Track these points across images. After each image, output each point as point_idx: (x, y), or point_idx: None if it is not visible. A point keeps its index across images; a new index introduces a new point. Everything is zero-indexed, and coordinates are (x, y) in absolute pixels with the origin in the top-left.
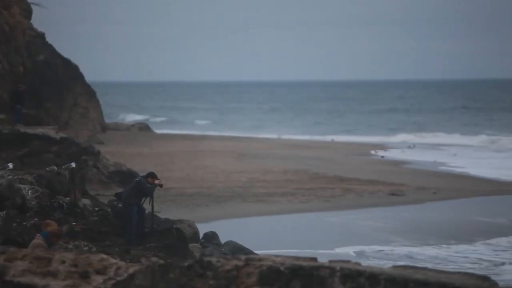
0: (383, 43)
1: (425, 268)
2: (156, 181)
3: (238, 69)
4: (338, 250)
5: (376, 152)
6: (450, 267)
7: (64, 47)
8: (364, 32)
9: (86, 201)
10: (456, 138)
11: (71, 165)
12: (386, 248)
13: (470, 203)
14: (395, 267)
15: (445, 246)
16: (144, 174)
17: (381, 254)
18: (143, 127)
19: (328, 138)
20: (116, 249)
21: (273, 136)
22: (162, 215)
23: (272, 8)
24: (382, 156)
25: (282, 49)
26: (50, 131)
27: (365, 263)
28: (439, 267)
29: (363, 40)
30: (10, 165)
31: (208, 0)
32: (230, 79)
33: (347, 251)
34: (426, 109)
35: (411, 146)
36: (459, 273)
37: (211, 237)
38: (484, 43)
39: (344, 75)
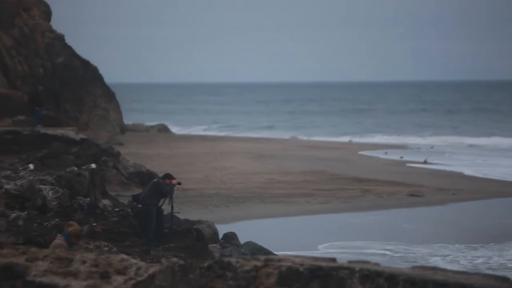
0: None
1: (444, 269)
2: (173, 181)
3: (250, 70)
4: (359, 251)
5: (386, 152)
6: (470, 268)
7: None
8: (377, 33)
9: (106, 201)
10: (472, 140)
11: (91, 166)
12: (406, 248)
13: (490, 204)
14: (414, 267)
15: (465, 246)
16: (161, 175)
17: (400, 255)
18: (162, 128)
19: (346, 139)
20: (137, 249)
21: (290, 137)
22: (181, 216)
23: (286, 9)
24: (401, 157)
25: (297, 51)
26: (70, 132)
27: (384, 264)
28: (459, 268)
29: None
30: (31, 166)
31: (214, 1)
32: (243, 80)
33: (367, 252)
34: (442, 110)
35: (430, 148)
36: (478, 274)
37: (231, 237)
38: None
39: (359, 77)
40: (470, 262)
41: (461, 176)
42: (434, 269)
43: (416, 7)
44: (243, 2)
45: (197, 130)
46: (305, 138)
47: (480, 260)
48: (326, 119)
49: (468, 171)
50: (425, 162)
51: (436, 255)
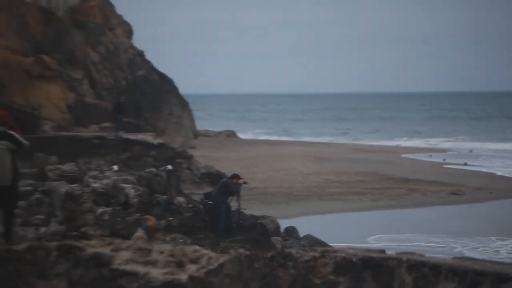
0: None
1: (483, 260)
2: (240, 181)
3: (301, 83)
4: (406, 243)
5: (431, 155)
6: (508, 260)
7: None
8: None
9: (181, 199)
10: (505, 145)
11: (168, 167)
12: (449, 241)
13: None
14: (455, 258)
15: (503, 239)
16: (230, 175)
17: (444, 247)
18: (230, 134)
19: (394, 143)
20: (208, 241)
21: (344, 141)
22: (247, 212)
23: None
24: (444, 159)
25: (344, 63)
26: (149, 137)
27: (429, 255)
28: (497, 259)
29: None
30: (115, 167)
31: (265, 21)
32: (294, 91)
33: (413, 244)
34: (479, 118)
35: (469, 151)
36: None
37: (291, 231)
38: None
39: (402, 88)
40: (509, 254)
41: (495, 176)
42: (474, 259)
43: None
44: (302, 24)
45: (261, 136)
46: (356, 142)
47: None
48: (374, 124)
49: (500, 172)
50: (465, 164)
51: (476, 247)
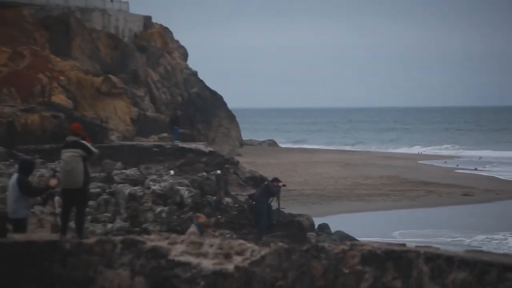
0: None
1: (490, 252)
2: (280, 184)
3: (342, 97)
4: (424, 239)
5: (445, 162)
6: None
7: (212, 82)
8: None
9: (228, 199)
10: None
11: (217, 172)
12: (462, 235)
13: None
14: (467, 251)
15: (509, 234)
16: (271, 179)
17: (458, 241)
18: (271, 143)
19: (416, 150)
20: (251, 236)
21: (371, 149)
22: (286, 211)
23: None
24: (457, 165)
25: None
26: (201, 146)
27: (444, 248)
28: (505, 251)
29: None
30: (172, 172)
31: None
32: (334, 105)
33: (431, 238)
34: (491, 129)
35: (478, 158)
36: None
37: (324, 227)
38: None
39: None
40: None
41: (501, 180)
42: (482, 252)
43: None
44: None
45: (298, 144)
46: (382, 150)
47: None
48: (396, 134)
49: (506, 177)
50: (475, 170)
51: (485, 240)
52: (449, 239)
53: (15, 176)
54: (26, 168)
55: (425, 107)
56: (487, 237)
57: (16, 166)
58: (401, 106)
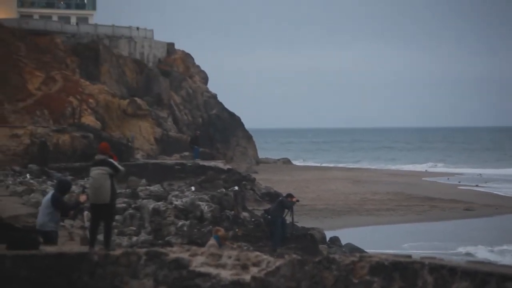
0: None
1: (490, 263)
2: (293, 199)
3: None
4: (430, 251)
5: (448, 178)
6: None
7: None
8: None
9: (245, 214)
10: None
11: (235, 188)
12: (464, 246)
13: None
14: (468, 262)
15: (507, 246)
16: (285, 194)
17: (460, 252)
18: (286, 161)
19: (422, 168)
20: (267, 248)
21: (378, 167)
22: (299, 224)
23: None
24: (459, 182)
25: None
26: (220, 164)
27: (447, 259)
28: (504, 261)
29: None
30: (193, 188)
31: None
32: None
33: (435, 249)
34: (491, 148)
35: (479, 175)
36: None
37: (335, 240)
38: None
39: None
40: None
41: (500, 196)
42: (483, 262)
43: None
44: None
45: (311, 162)
46: (389, 167)
47: None
48: (402, 153)
49: (504, 193)
50: (476, 186)
51: (486, 252)
52: (452, 250)
53: (50, 193)
54: (62, 188)
55: (421, 127)
56: (488, 249)
57: (49, 183)
58: (399, 126)
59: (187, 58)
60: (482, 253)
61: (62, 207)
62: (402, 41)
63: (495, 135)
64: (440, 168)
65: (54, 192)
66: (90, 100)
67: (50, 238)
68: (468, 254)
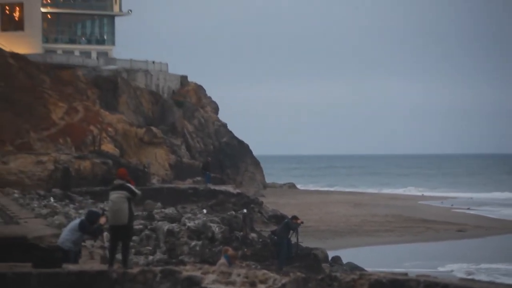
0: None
1: (480, 281)
2: (298, 221)
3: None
4: (426, 269)
5: (442, 202)
6: (502, 280)
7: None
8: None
9: (253, 235)
10: (498, 195)
11: (244, 211)
12: (458, 265)
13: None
14: (460, 279)
15: (496, 264)
16: (290, 217)
17: (453, 271)
18: (291, 186)
19: (419, 192)
20: (273, 267)
21: (377, 191)
22: (303, 245)
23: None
24: (452, 205)
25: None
26: (230, 188)
27: (441, 277)
28: (493, 279)
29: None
30: (204, 211)
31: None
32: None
33: (432, 268)
34: (481, 173)
35: (470, 199)
36: (509, 285)
37: (336, 259)
38: None
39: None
40: (505, 275)
41: (490, 218)
42: (474, 280)
43: None
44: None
45: (314, 187)
46: (388, 191)
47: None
48: (400, 178)
49: (494, 215)
50: (468, 209)
51: (477, 270)
52: (446, 269)
53: (79, 219)
54: (91, 218)
55: (410, 154)
56: (478, 267)
57: (71, 206)
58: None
59: (199, 89)
60: (472, 271)
61: (88, 233)
62: (383, 73)
63: (480, 162)
64: (434, 192)
65: (84, 220)
66: (109, 129)
67: (68, 257)
68: (461, 271)
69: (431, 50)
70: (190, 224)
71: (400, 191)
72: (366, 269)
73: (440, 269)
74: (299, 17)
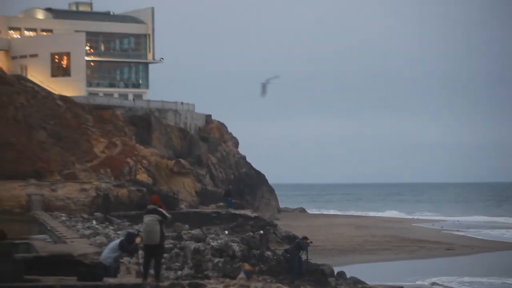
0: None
1: None
2: (308, 241)
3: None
4: (419, 282)
5: (433, 224)
6: None
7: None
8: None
9: (268, 253)
10: (486, 218)
11: (260, 232)
12: (449, 279)
13: (495, 255)
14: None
15: (480, 278)
16: (301, 237)
17: (446, 283)
18: (302, 210)
19: (413, 216)
20: (286, 281)
21: (377, 214)
22: (312, 261)
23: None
24: (442, 227)
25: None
26: (248, 212)
27: None
28: None
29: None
30: (226, 232)
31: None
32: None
33: (424, 283)
34: (469, 200)
35: (457, 221)
36: None
37: (341, 274)
38: None
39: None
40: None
41: (476, 238)
42: None
43: None
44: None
45: (323, 211)
46: (387, 215)
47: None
48: (397, 204)
49: (480, 236)
50: (457, 231)
51: (464, 284)
52: (441, 282)
53: (119, 240)
54: (129, 239)
55: (394, 183)
56: (465, 281)
57: (110, 227)
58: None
59: (221, 127)
60: (461, 284)
61: (126, 251)
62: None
63: (461, 190)
64: (426, 215)
65: (123, 240)
66: (144, 161)
67: (108, 271)
68: (451, 284)
69: (420, 89)
70: (214, 243)
71: (394, 213)
72: (367, 282)
73: (437, 280)
74: (311, 57)
